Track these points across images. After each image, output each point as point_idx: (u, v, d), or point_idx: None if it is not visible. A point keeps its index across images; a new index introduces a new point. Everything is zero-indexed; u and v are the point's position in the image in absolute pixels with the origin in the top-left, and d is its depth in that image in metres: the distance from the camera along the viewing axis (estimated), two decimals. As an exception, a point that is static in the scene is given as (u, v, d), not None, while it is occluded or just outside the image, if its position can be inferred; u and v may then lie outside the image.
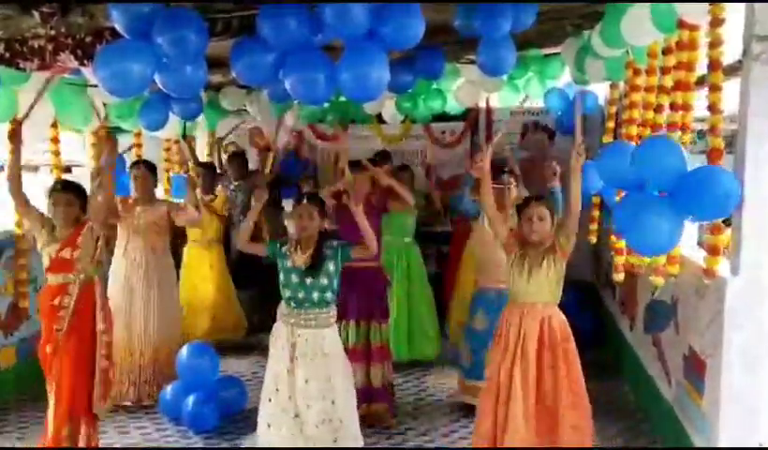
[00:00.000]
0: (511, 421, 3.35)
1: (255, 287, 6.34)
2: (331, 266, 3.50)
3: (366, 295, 4.40)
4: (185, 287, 5.93)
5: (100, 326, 3.74)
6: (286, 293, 3.52)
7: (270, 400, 3.53)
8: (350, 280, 4.11)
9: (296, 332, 3.48)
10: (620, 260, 4.16)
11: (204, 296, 6.07)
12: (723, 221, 3.12)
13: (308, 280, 3.48)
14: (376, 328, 4.48)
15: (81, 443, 3.66)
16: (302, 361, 3.45)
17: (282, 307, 3.59)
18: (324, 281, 3.49)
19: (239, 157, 6.74)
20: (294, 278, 3.50)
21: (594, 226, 4.99)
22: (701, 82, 3.34)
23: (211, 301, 6.09)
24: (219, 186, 6.37)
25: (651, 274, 3.64)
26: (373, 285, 4.47)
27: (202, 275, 6.10)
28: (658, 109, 3.66)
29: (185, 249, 6.18)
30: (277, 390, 3.50)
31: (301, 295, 3.48)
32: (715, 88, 2.98)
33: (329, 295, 3.51)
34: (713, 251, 3.07)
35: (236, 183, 6.52)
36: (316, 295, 3.48)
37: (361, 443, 3.63)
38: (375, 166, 6.33)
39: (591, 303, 6.15)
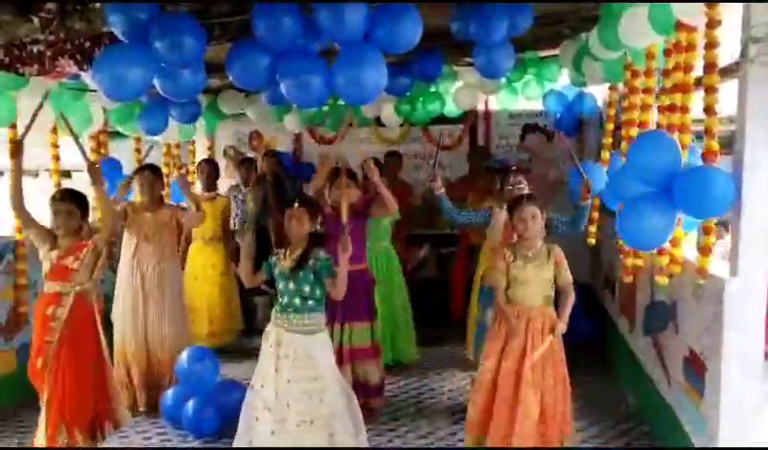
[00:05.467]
0: (522, 412, 3.48)
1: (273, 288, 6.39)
2: (311, 276, 3.54)
3: (351, 298, 4.39)
4: (187, 286, 5.96)
5: (103, 340, 3.81)
6: (278, 298, 3.62)
7: (256, 396, 3.57)
8: None
9: (282, 334, 3.54)
10: (628, 261, 4.18)
11: (203, 298, 6.08)
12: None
13: (291, 285, 3.55)
14: (360, 329, 4.50)
15: None
16: (285, 362, 3.50)
17: (273, 310, 3.66)
18: (306, 289, 3.53)
19: (248, 163, 6.79)
20: (281, 283, 3.58)
21: (593, 228, 4.99)
22: (698, 83, 3.35)
23: (209, 304, 6.10)
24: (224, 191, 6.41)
25: (656, 273, 3.67)
26: (357, 286, 4.46)
27: (203, 275, 6.12)
28: (659, 110, 3.69)
29: (191, 247, 6.22)
30: (263, 387, 3.54)
31: (285, 300, 3.55)
32: (711, 90, 2.99)
33: (311, 303, 3.56)
34: (704, 251, 3.09)
35: (246, 189, 6.59)
36: (298, 301, 3.54)
37: (363, 435, 3.69)
38: (385, 166, 6.39)
39: (590, 304, 6.15)
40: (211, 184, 6.25)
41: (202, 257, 6.14)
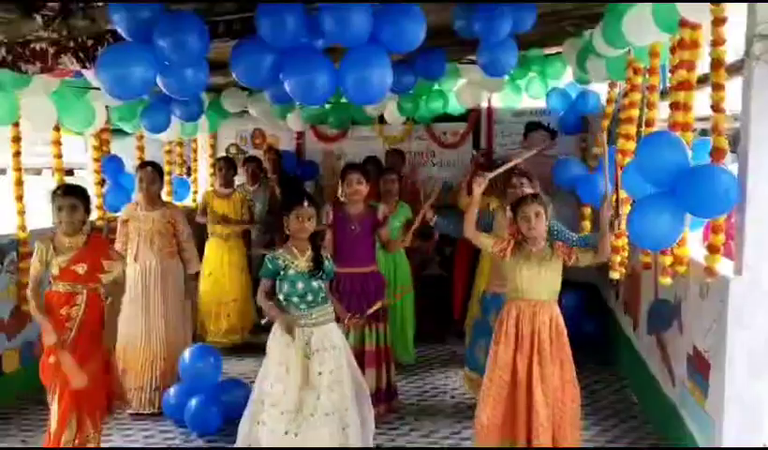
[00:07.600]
0: (536, 412, 3.45)
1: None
2: (324, 274, 3.63)
3: (361, 299, 4.37)
4: (203, 281, 6.01)
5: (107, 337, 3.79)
6: (293, 299, 3.57)
7: (264, 397, 3.54)
8: (345, 285, 4.25)
9: (308, 331, 3.56)
10: (616, 259, 4.18)
11: (220, 295, 6.14)
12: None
13: (315, 283, 3.58)
14: (370, 331, 4.48)
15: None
16: (316, 356, 3.53)
17: (293, 310, 3.61)
18: (324, 284, 3.64)
19: (253, 162, 6.83)
20: (301, 284, 3.57)
21: (587, 222, 4.99)
22: (703, 81, 3.33)
23: (227, 300, 6.16)
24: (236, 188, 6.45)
25: (660, 273, 3.65)
26: (367, 288, 4.45)
27: (221, 272, 6.19)
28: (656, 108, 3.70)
29: (207, 243, 6.26)
30: (272, 386, 3.51)
31: (310, 298, 3.58)
32: (717, 87, 2.97)
33: (324, 296, 3.66)
34: (713, 250, 3.08)
35: (252, 188, 6.63)
36: (320, 296, 3.62)
37: (371, 426, 3.71)
38: (386, 165, 6.37)
39: (594, 303, 6.14)
40: (228, 181, 6.31)
41: (221, 254, 6.20)
